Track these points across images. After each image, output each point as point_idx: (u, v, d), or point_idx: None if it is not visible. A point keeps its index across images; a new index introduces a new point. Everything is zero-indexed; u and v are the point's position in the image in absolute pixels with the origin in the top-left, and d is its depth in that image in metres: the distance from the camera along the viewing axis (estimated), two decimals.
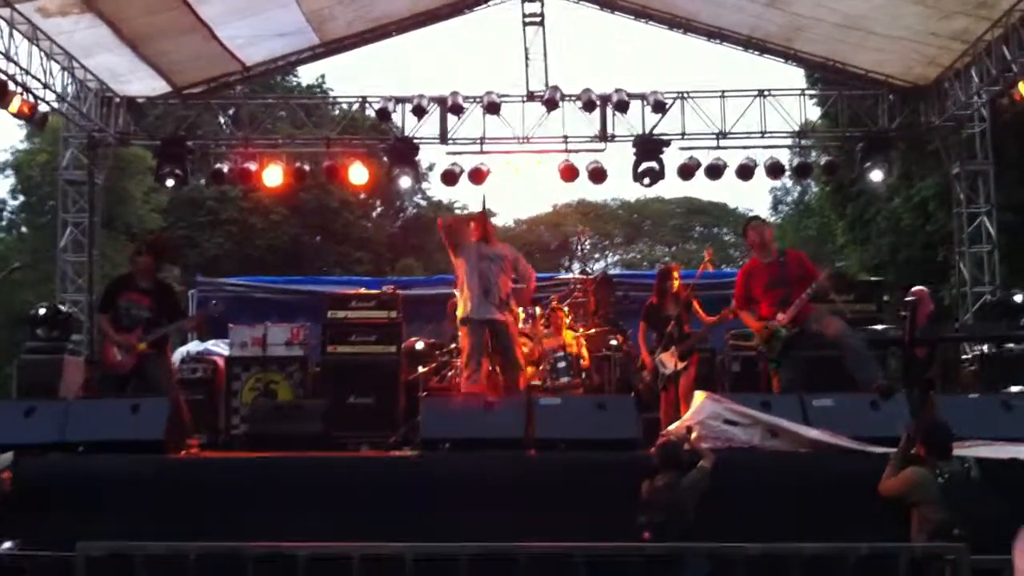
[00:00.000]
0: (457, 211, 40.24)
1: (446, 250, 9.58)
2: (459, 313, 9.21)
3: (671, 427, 7.72)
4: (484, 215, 9.73)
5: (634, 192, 46.09)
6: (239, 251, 30.59)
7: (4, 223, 29.42)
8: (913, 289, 9.87)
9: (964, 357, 11.36)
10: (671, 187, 52.36)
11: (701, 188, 51.02)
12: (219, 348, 11.80)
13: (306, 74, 32.96)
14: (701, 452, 6.78)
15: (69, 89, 13.09)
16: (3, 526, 6.06)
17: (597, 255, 45.79)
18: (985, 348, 10.96)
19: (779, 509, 6.73)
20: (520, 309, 11.05)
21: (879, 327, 9.97)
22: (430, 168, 27.00)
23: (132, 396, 8.35)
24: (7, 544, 5.91)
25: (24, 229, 28.03)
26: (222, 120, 15.80)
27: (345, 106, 15.44)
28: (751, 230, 8.94)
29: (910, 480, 6.26)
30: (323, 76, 33.12)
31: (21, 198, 28.72)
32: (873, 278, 14.55)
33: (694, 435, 7.12)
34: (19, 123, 26.17)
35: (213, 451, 9.52)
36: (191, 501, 6.98)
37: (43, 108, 12.38)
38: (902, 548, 4.10)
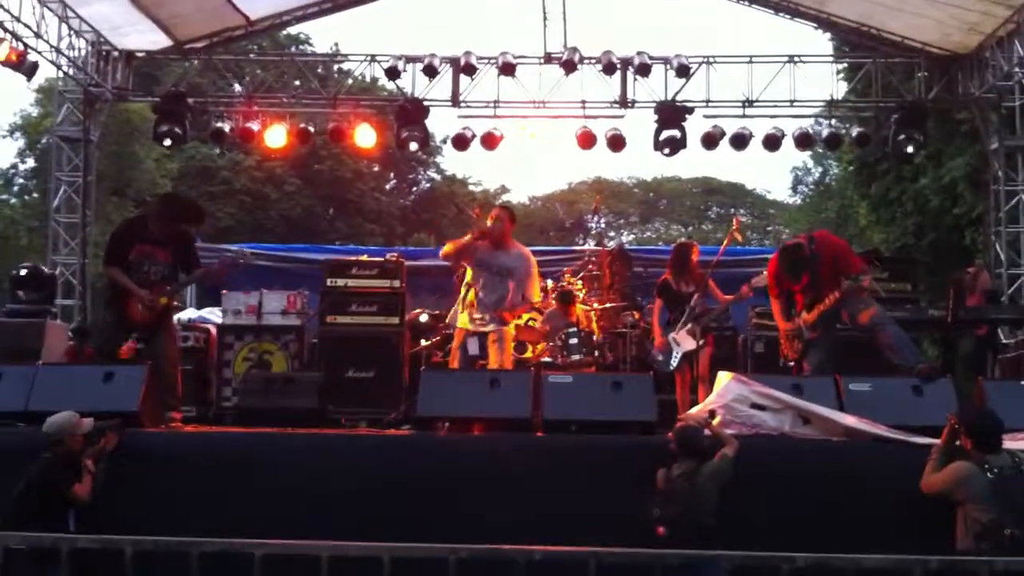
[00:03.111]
0: (471, 187, 40.05)
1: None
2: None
3: (692, 410, 7.11)
4: (502, 213, 8.75)
5: (650, 171, 45.71)
6: (251, 221, 30.36)
7: (16, 188, 29.03)
8: (969, 268, 9.18)
9: (1005, 342, 10.68)
10: (688, 166, 51.87)
11: (718, 168, 50.24)
12: (214, 316, 11.26)
13: (320, 44, 32.42)
14: (724, 438, 6.24)
15: (64, 40, 12.45)
16: None
17: (612, 233, 45.23)
18: None
19: (809, 504, 6.21)
20: None
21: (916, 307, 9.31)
22: (444, 141, 26.42)
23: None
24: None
25: (35, 195, 27.56)
26: (236, 83, 15.17)
27: (353, 66, 14.69)
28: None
29: (955, 476, 5.74)
30: (336, 44, 32.45)
31: (30, 161, 28.34)
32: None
33: (717, 419, 6.54)
34: (32, 89, 26.11)
35: (201, 425, 8.96)
36: (165, 479, 6.41)
37: (33, 58, 11.74)
38: (983, 563, 3.48)
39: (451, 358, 8.78)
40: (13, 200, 28.35)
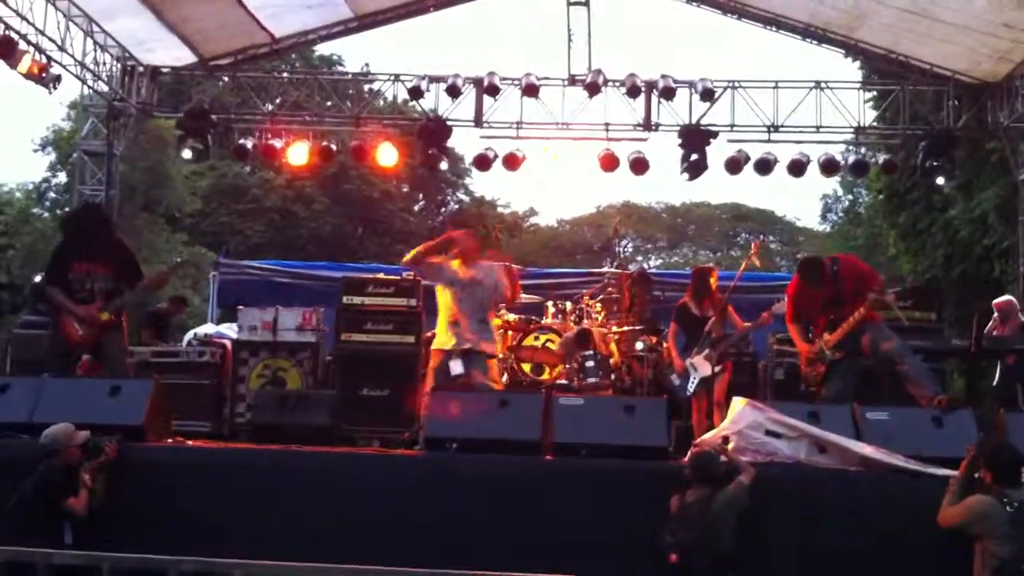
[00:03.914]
0: (500, 209, 40.07)
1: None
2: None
3: (706, 436, 6.97)
4: (464, 235, 8.36)
5: (679, 196, 45.58)
6: (281, 239, 30.48)
7: (47, 203, 29.22)
8: (997, 301, 8.99)
9: None
10: (718, 192, 51.70)
11: (748, 194, 50.12)
12: (231, 332, 11.20)
13: (351, 63, 32.55)
14: (739, 465, 6.13)
15: (88, 55, 12.53)
16: None
17: (640, 258, 45.12)
18: None
19: (823, 535, 6.09)
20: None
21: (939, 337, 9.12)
22: (472, 164, 26.46)
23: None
24: None
25: (67, 209, 27.71)
26: (267, 102, 15.22)
27: (376, 86, 14.71)
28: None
29: (973, 509, 5.65)
30: (367, 65, 32.60)
31: (62, 176, 28.57)
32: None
33: (731, 446, 6.40)
34: (64, 104, 26.32)
35: (214, 441, 8.89)
36: (168, 493, 6.36)
37: (56, 71, 11.79)
38: None
39: (426, 381, 8.26)
40: (45, 214, 28.52)
